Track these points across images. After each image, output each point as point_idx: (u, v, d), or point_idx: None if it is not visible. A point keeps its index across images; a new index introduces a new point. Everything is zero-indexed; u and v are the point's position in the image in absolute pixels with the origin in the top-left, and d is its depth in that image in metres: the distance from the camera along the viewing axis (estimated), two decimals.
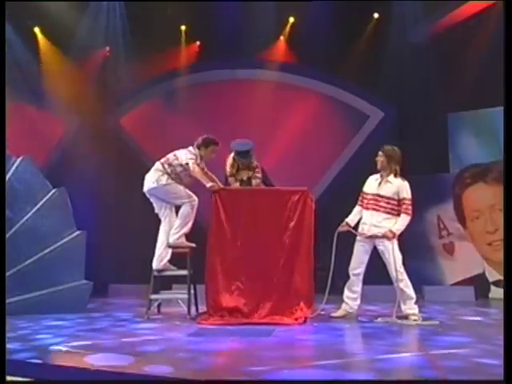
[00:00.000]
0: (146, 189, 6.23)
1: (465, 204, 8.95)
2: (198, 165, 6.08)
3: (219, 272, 5.76)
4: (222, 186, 6.11)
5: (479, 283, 8.59)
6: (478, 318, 6.16)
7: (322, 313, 6.03)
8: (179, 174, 6.15)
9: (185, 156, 6.11)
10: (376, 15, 9.73)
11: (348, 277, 6.06)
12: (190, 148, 6.20)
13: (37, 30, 9.85)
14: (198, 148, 6.19)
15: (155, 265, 6.22)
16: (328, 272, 5.95)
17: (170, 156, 6.20)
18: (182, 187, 6.17)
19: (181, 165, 6.10)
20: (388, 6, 9.53)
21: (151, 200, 6.29)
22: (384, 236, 5.84)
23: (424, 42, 9.19)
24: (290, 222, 5.75)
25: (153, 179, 6.15)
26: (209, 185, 5.91)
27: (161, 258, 6.22)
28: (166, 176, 6.11)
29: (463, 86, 8.62)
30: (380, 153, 6.05)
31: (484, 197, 8.63)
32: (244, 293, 5.68)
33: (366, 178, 6.23)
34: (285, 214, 5.77)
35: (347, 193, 6.81)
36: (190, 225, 6.19)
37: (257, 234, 5.77)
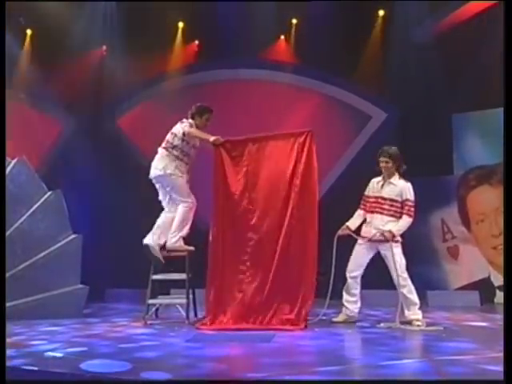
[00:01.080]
0: (152, 175, 6.20)
1: (469, 207, 8.95)
2: None
3: (222, 252, 5.73)
4: None
5: (484, 288, 8.58)
6: (484, 324, 6.15)
7: (323, 318, 6.02)
8: (184, 150, 6.14)
9: (180, 127, 6.12)
10: (381, 13, 9.71)
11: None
12: (183, 120, 6.21)
13: (29, 31, 9.85)
14: (193, 118, 6.22)
15: (149, 240, 6.18)
16: (329, 276, 5.94)
17: (169, 137, 6.18)
18: (185, 183, 6.16)
19: (182, 139, 6.10)
20: (391, 5, 9.53)
21: (156, 186, 6.28)
22: (382, 236, 5.82)
23: (428, 42, 9.19)
24: (299, 164, 5.73)
25: (160, 166, 6.12)
26: (212, 138, 5.90)
27: (157, 235, 6.19)
28: (174, 164, 6.07)
29: (468, 86, 8.61)
30: (383, 158, 5.98)
31: (489, 199, 8.64)
32: (248, 281, 5.65)
33: (368, 180, 6.22)
34: (292, 156, 5.76)
35: (349, 195, 6.81)
36: (187, 228, 6.18)
37: (266, 181, 5.78)
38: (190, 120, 6.19)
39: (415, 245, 7.81)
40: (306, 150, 5.74)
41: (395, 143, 6.28)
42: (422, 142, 8.86)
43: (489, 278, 8.73)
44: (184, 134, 6.06)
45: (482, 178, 8.79)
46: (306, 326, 5.53)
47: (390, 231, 5.82)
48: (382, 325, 5.81)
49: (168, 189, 6.20)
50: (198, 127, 6.16)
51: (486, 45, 8.50)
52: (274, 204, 5.73)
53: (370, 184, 6.17)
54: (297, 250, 5.65)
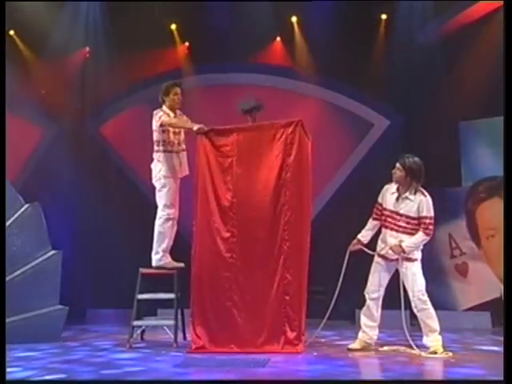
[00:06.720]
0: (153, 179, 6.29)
1: (479, 221, 8.95)
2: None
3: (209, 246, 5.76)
4: None
5: (496, 308, 8.53)
6: (495, 348, 6.09)
7: (322, 340, 5.99)
8: (171, 140, 6.21)
9: (154, 120, 6.20)
10: (384, 16, 9.76)
11: (359, 302, 5.93)
12: (154, 112, 6.28)
13: (11, 32, 9.85)
14: (163, 101, 6.32)
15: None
16: (330, 295, 5.90)
17: (154, 138, 6.24)
18: (172, 193, 6.16)
19: (162, 131, 6.18)
20: (394, 6, 9.58)
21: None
22: (391, 250, 5.71)
23: (434, 44, 9.23)
24: (288, 157, 5.77)
25: (156, 170, 6.21)
26: (196, 127, 5.95)
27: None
28: (168, 164, 6.13)
29: (476, 92, 8.64)
30: (398, 165, 5.78)
31: (500, 213, 8.56)
32: (236, 291, 5.64)
33: (369, 192, 6.17)
34: (280, 149, 5.80)
35: (349, 208, 6.81)
36: (167, 241, 6.16)
37: (251, 173, 5.83)
38: (163, 106, 6.28)
39: (420, 261, 7.79)
40: (296, 141, 5.79)
41: (398, 152, 6.24)
42: (427, 151, 8.83)
43: (501, 297, 8.69)
44: (162, 124, 6.13)
45: (493, 190, 8.78)
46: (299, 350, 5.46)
47: (399, 245, 5.66)
48: (385, 348, 5.78)
49: (156, 190, 6.22)
50: (171, 107, 6.27)
51: (495, 47, 8.55)
52: (259, 199, 5.77)
53: (385, 191, 5.91)
54: (290, 256, 5.62)
